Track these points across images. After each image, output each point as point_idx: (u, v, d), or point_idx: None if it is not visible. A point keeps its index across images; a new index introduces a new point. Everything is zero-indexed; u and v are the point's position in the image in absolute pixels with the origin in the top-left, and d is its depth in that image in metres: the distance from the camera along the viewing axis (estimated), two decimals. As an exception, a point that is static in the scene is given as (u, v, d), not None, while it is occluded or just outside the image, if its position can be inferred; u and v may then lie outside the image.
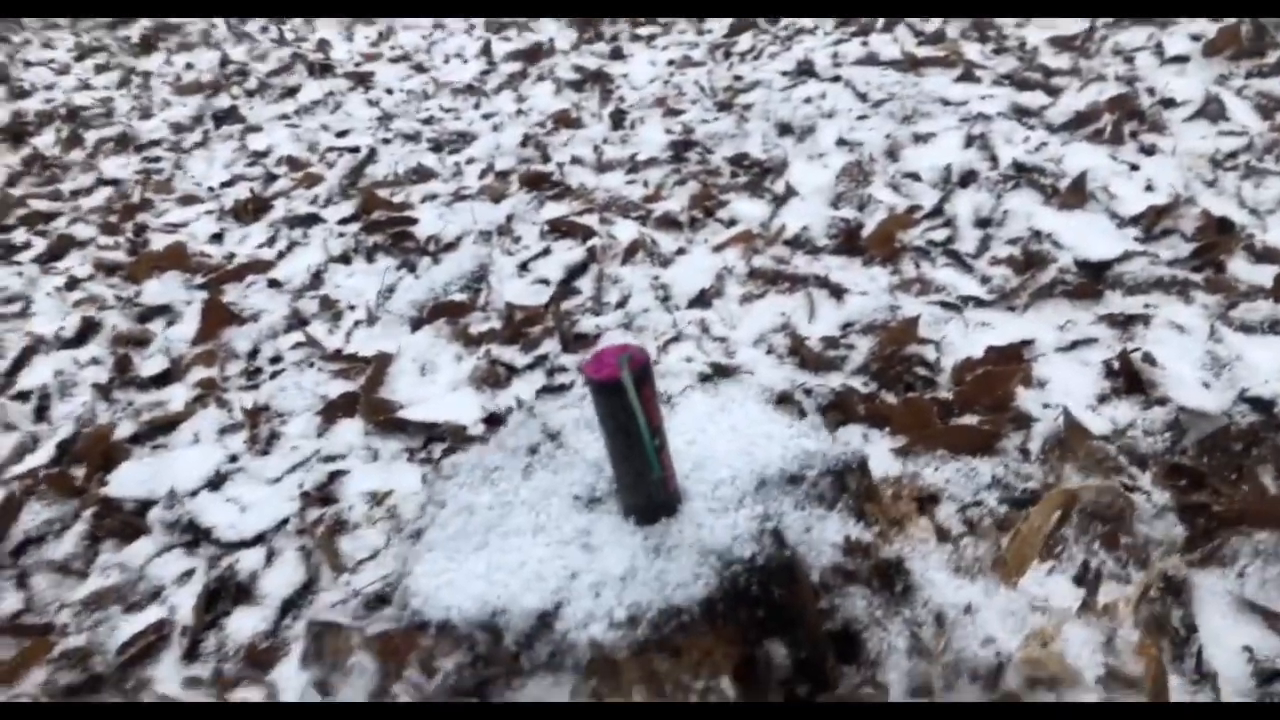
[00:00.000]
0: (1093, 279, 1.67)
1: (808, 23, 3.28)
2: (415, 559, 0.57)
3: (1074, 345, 1.53)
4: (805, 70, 2.81)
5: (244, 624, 1.27)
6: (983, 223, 1.90)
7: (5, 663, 1.22)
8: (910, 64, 2.71)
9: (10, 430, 1.68)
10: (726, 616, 0.55)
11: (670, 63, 3.15)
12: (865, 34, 3.04)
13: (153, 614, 1.28)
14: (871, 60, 2.81)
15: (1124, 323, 1.55)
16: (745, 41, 3.22)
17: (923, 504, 0.72)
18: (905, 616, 0.59)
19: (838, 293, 1.74)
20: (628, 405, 0.52)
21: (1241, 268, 1.65)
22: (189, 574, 1.35)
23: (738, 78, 2.88)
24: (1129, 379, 1.42)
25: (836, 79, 2.70)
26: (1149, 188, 1.90)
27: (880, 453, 1.32)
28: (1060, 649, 0.56)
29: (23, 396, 1.78)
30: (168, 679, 1.19)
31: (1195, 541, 1.11)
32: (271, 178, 2.66)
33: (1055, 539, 0.78)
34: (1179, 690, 0.65)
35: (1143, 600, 0.69)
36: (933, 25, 2.99)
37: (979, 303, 1.68)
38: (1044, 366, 1.48)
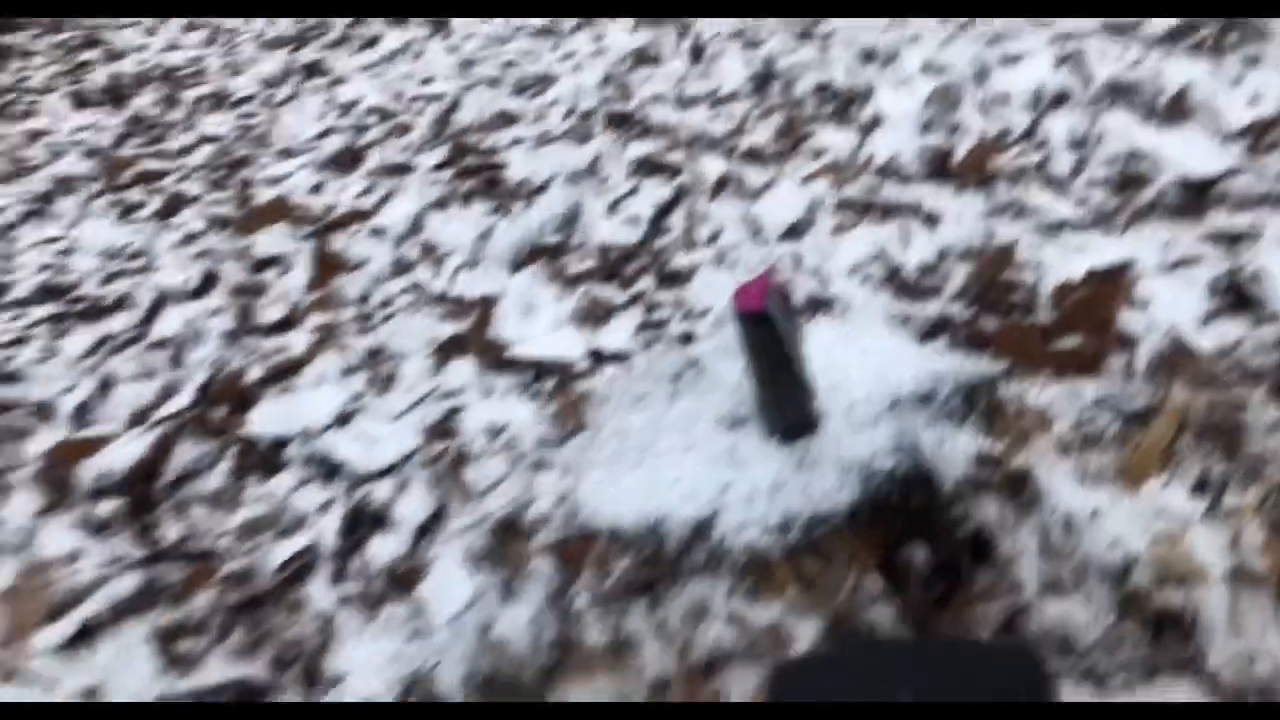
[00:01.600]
0: (1195, 197, 1.64)
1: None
2: (579, 477, 0.64)
3: (1176, 265, 1.52)
4: (887, -7, 2.75)
5: (383, 548, 1.38)
6: (1078, 144, 1.87)
7: (177, 584, 1.35)
8: (997, -19, 2.63)
9: (152, 377, 1.81)
10: (870, 523, 0.60)
11: (746, -8, 3.11)
12: (948, -49, 2.95)
13: (300, 540, 1.40)
14: (955, -21, 2.73)
15: (1230, 240, 1.53)
16: (822, -34, 3.15)
17: (1041, 420, 0.76)
18: (1034, 521, 0.63)
19: (931, 221, 1.74)
20: (774, 333, 0.57)
21: (1354, 179, 1.60)
22: (328, 504, 1.46)
23: (817, 5, 2.84)
24: (1236, 297, 1.41)
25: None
26: (1253, 101, 1.84)
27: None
28: (1188, 549, 0.60)
29: (158, 345, 1.91)
30: (321, 598, 1.31)
31: (1306, 455, 1.13)
32: (362, 128, 2.74)
33: (1171, 452, 0.81)
34: (1295, 590, 0.68)
35: (1263, 506, 0.72)
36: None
37: (1076, 226, 1.67)
38: (1146, 287, 1.48)
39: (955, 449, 0.62)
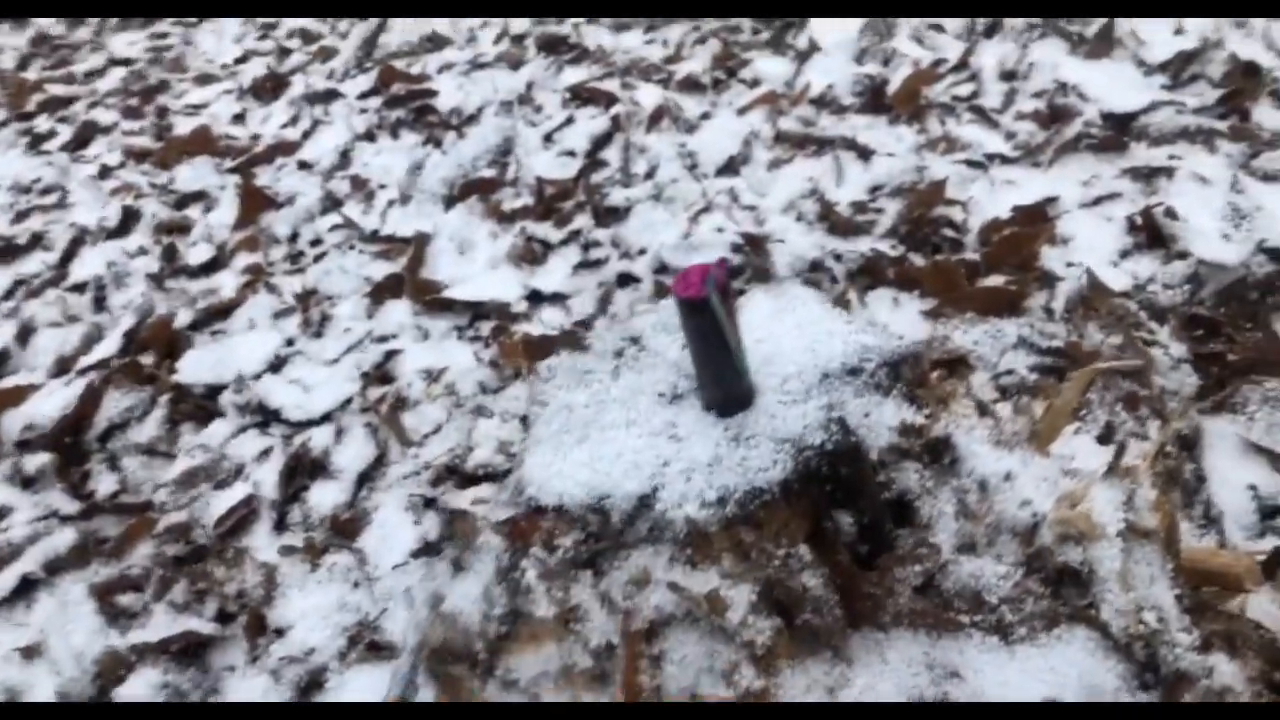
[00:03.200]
0: (1118, 131, 1.68)
1: None
2: (525, 452, 0.66)
3: (1097, 201, 1.57)
4: (823, -90, 2.70)
5: (324, 497, 1.38)
6: (1008, 75, 1.90)
7: (114, 539, 1.34)
8: (933, -101, 2.60)
9: (74, 322, 1.76)
10: (800, 494, 0.63)
11: (680, -95, 3.02)
12: None
13: (239, 490, 1.39)
14: (892, -104, 2.69)
15: (1148, 175, 1.58)
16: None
17: (953, 367, 0.80)
18: (953, 485, 0.67)
19: (865, 154, 1.76)
20: (713, 318, 0.59)
21: (1266, 114, 1.66)
22: (266, 452, 1.45)
23: (752, -79, 2.77)
24: (1150, 233, 1.47)
25: (856, -81, 2.60)
26: (1178, 31, 1.88)
27: (910, 316, 1.39)
28: (1088, 508, 0.64)
29: (78, 288, 1.85)
30: (264, 548, 1.32)
31: (1208, 390, 1.19)
32: (285, 52, 2.63)
33: (1081, 402, 0.86)
34: (1189, 534, 0.74)
35: (1158, 457, 0.77)
36: None
37: (1004, 160, 1.70)
38: (1068, 223, 1.53)
39: (881, 419, 0.65)
